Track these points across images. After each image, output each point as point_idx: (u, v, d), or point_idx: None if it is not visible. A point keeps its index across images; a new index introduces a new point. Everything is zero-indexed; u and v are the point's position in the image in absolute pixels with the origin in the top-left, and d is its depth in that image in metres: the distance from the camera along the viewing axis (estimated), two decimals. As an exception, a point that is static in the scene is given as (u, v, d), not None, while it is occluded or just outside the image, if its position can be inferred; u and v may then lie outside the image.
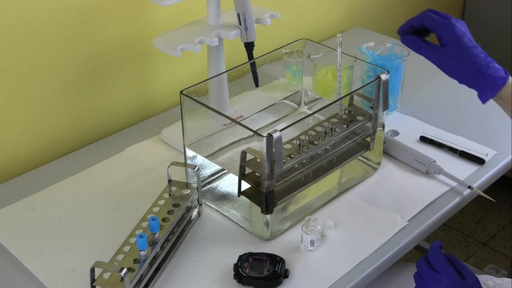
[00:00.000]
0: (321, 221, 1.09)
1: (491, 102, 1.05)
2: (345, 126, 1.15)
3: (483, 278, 1.21)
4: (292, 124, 1.06)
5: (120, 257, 0.98)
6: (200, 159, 1.16)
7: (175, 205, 1.09)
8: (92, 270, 0.93)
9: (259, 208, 1.05)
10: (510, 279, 1.21)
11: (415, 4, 2.07)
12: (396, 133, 1.35)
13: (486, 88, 1.01)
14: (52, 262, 1.06)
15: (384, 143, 1.26)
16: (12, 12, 1.19)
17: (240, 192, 1.08)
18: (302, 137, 1.09)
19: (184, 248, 1.08)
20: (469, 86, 1.04)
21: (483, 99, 1.03)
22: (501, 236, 2.27)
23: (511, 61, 2.04)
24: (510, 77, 1.02)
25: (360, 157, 1.21)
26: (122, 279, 0.92)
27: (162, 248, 1.03)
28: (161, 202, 1.09)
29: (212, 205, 1.17)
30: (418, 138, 1.34)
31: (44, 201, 1.20)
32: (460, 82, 1.05)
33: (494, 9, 2.18)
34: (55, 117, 1.34)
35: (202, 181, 1.16)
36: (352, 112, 1.18)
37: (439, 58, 1.03)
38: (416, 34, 1.07)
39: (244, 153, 1.04)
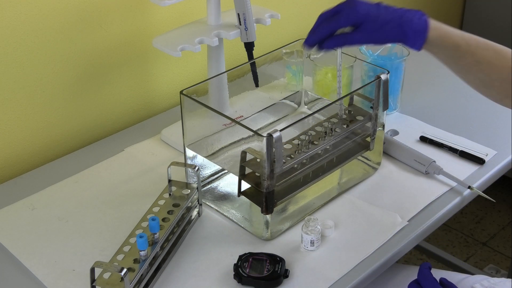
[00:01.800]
0: (321, 221, 1.09)
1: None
2: (345, 126, 1.15)
3: (479, 278, 1.20)
4: (292, 124, 1.06)
5: (120, 257, 0.98)
6: (200, 159, 1.16)
7: (175, 205, 1.08)
8: (92, 270, 0.93)
9: (259, 208, 1.05)
10: (506, 279, 1.21)
11: (414, 4, 2.07)
12: (396, 133, 1.35)
13: (414, 33, 0.98)
14: (52, 262, 1.06)
15: (384, 143, 1.26)
16: (12, 12, 1.19)
17: (240, 192, 1.07)
18: (302, 137, 1.09)
19: (184, 248, 1.08)
20: (401, 41, 1.00)
21: (417, 45, 0.99)
22: (501, 236, 2.27)
23: (511, 61, 2.04)
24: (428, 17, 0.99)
25: (360, 157, 1.21)
26: (122, 279, 0.92)
27: (162, 248, 1.03)
28: (161, 202, 1.09)
29: (212, 205, 1.17)
30: (418, 138, 1.34)
31: (44, 201, 1.19)
32: (393, 42, 1.01)
33: (494, 9, 2.17)
34: (55, 117, 1.33)
35: (202, 181, 1.16)
36: (352, 112, 1.18)
37: (364, 37, 0.99)
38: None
39: (244, 153, 1.04)
